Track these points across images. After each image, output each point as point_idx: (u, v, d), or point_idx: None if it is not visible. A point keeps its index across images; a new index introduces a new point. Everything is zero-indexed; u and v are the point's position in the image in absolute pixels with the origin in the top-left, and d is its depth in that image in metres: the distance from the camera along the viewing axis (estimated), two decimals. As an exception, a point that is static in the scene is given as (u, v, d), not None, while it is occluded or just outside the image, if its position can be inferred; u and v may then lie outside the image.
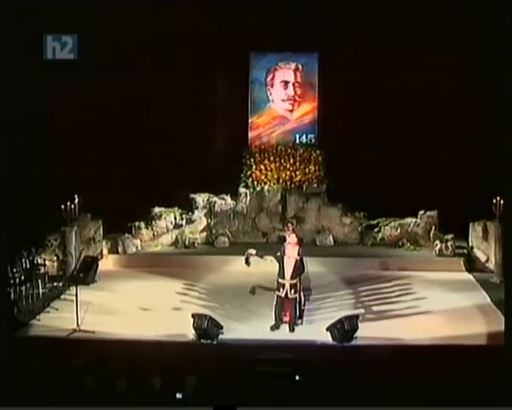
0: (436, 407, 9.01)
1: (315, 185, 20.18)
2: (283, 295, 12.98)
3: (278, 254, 13.26)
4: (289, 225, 14.47)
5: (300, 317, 13.39)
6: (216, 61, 19.56)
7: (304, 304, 13.68)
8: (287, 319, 13.12)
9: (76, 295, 13.19)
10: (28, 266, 15.25)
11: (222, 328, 12.76)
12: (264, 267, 14.70)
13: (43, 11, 16.79)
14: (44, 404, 8.76)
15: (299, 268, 13.08)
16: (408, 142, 19.03)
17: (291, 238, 13.45)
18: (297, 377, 10.16)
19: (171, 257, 18.64)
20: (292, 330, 13.05)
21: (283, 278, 13.00)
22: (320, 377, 9.80)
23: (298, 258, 13.11)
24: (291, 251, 13.11)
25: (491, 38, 16.54)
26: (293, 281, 12.98)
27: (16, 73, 14.87)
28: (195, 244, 19.39)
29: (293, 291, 12.97)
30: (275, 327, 13.05)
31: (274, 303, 13.13)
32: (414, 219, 19.51)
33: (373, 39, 19.08)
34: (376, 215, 19.61)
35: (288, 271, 12.97)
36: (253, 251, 13.91)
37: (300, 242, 13.80)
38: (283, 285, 12.97)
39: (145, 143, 19.29)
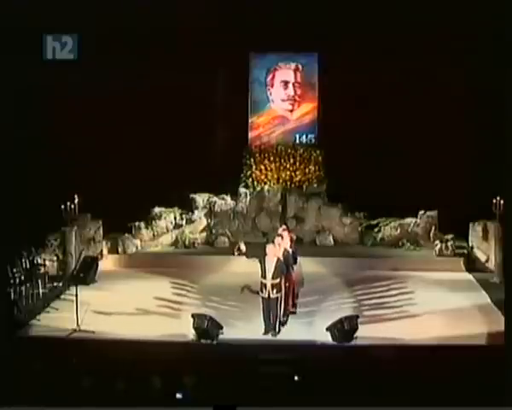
0: (436, 407, 9.00)
1: (315, 185, 20.19)
2: (266, 295, 12.89)
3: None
4: (284, 226, 14.44)
5: (285, 321, 13.31)
6: (216, 61, 19.55)
7: (292, 307, 13.70)
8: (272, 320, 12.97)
9: (76, 295, 13.19)
10: (28, 266, 15.25)
11: (222, 328, 12.75)
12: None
13: (43, 11, 16.78)
14: (44, 404, 8.74)
15: (280, 267, 12.91)
16: (408, 142, 19.02)
17: (277, 240, 13.37)
18: (297, 378, 10.15)
19: (171, 257, 18.65)
20: (274, 334, 12.87)
21: (265, 278, 12.88)
22: (320, 377, 9.79)
23: (279, 257, 12.97)
24: (272, 251, 12.96)
25: (492, 37, 16.54)
26: (275, 281, 12.84)
27: (16, 73, 14.86)
28: (195, 244, 19.40)
29: (275, 291, 12.83)
30: (266, 332, 12.93)
31: (260, 306, 13.04)
32: (414, 219, 19.51)
33: (373, 39, 19.07)
34: (376, 215, 19.62)
35: (270, 271, 12.85)
36: (243, 247, 13.82)
37: (292, 243, 13.81)
38: (265, 286, 12.87)
39: (145, 142, 19.28)
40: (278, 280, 12.88)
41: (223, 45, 19.34)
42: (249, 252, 13.66)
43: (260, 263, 12.96)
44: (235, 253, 13.83)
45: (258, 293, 13.22)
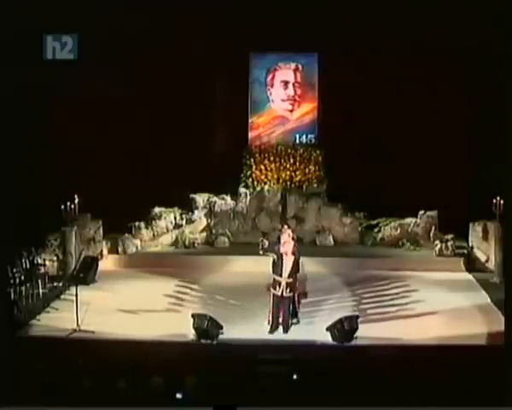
0: (436, 407, 9.00)
1: (315, 185, 20.19)
2: (279, 293, 12.95)
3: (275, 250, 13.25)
4: (286, 226, 14.43)
5: (296, 315, 13.37)
6: (216, 61, 19.55)
7: (299, 303, 13.67)
8: (280, 319, 13.08)
9: (76, 295, 13.19)
10: (28, 266, 15.25)
11: (222, 328, 12.75)
12: (266, 267, 14.65)
13: (43, 11, 16.77)
14: (44, 404, 8.74)
15: (296, 267, 13.04)
16: (408, 142, 19.03)
17: (284, 237, 13.41)
18: (297, 377, 10.15)
19: (171, 257, 18.64)
20: (285, 331, 13.00)
21: (280, 276, 12.94)
22: (320, 377, 9.79)
23: (295, 258, 13.06)
24: (289, 249, 13.05)
25: (492, 37, 16.52)
26: (290, 280, 12.95)
27: (16, 73, 14.86)
28: (195, 244, 19.39)
29: (288, 290, 12.93)
30: (273, 329, 13.00)
31: (271, 303, 13.09)
32: (414, 219, 19.52)
33: (373, 39, 19.08)
34: (376, 215, 19.63)
35: (287, 269, 12.93)
36: (266, 243, 13.73)
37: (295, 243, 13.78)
38: (279, 283, 12.93)
39: (145, 143, 19.29)
40: (292, 279, 12.94)
41: (223, 45, 19.34)
42: (269, 248, 13.58)
43: (277, 260, 12.99)
44: (261, 251, 13.66)
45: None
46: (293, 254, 13.06)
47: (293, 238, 13.68)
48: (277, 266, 12.99)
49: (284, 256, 12.98)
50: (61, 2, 17.13)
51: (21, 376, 9.56)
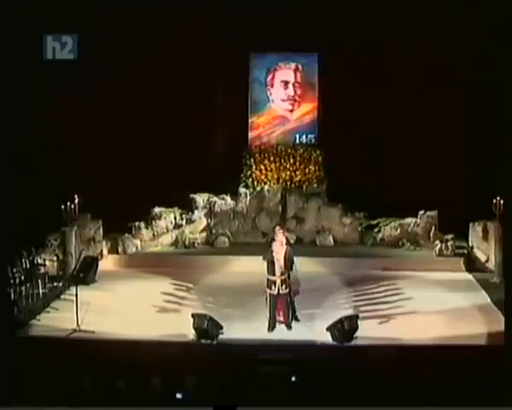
0: (436, 407, 9.00)
1: (315, 185, 20.18)
2: (276, 292, 13.04)
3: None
4: (278, 227, 14.47)
5: (294, 312, 13.43)
6: (216, 61, 19.56)
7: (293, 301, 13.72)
8: (281, 317, 13.17)
9: (76, 295, 13.20)
10: (28, 266, 15.25)
11: (222, 328, 12.76)
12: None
13: (43, 11, 16.77)
14: (44, 404, 8.75)
15: (286, 263, 13.11)
16: (408, 142, 19.02)
17: (279, 237, 13.47)
18: (296, 378, 10.16)
19: (171, 257, 18.64)
20: (288, 328, 13.10)
21: (274, 275, 13.06)
22: (320, 378, 9.79)
23: (285, 254, 13.14)
24: (279, 248, 13.16)
25: (492, 37, 16.53)
26: (283, 277, 13.07)
27: (16, 73, 14.86)
28: (195, 244, 19.39)
29: (283, 287, 13.05)
30: (271, 328, 13.06)
31: (268, 302, 13.16)
32: (414, 219, 19.51)
33: (373, 39, 19.08)
34: (376, 215, 19.62)
35: (278, 267, 13.04)
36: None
37: (288, 241, 13.81)
38: (274, 282, 13.04)
39: (145, 142, 19.28)
40: (285, 277, 13.08)
41: (223, 45, 19.34)
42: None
43: (268, 260, 13.13)
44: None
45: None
46: (284, 252, 13.16)
47: (286, 240, 13.69)
48: (270, 266, 13.13)
49: (275, 255, 13.12)
50: (61, 2, 17.14)
51: (21, 376, 9.57)
